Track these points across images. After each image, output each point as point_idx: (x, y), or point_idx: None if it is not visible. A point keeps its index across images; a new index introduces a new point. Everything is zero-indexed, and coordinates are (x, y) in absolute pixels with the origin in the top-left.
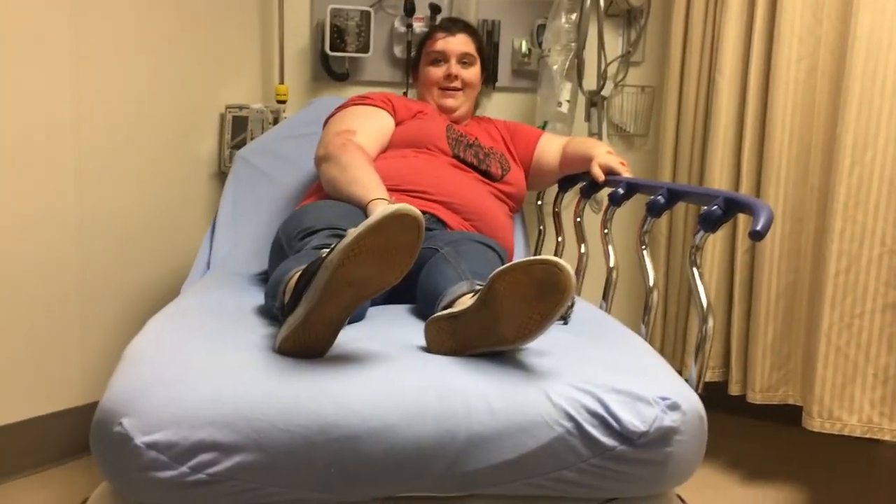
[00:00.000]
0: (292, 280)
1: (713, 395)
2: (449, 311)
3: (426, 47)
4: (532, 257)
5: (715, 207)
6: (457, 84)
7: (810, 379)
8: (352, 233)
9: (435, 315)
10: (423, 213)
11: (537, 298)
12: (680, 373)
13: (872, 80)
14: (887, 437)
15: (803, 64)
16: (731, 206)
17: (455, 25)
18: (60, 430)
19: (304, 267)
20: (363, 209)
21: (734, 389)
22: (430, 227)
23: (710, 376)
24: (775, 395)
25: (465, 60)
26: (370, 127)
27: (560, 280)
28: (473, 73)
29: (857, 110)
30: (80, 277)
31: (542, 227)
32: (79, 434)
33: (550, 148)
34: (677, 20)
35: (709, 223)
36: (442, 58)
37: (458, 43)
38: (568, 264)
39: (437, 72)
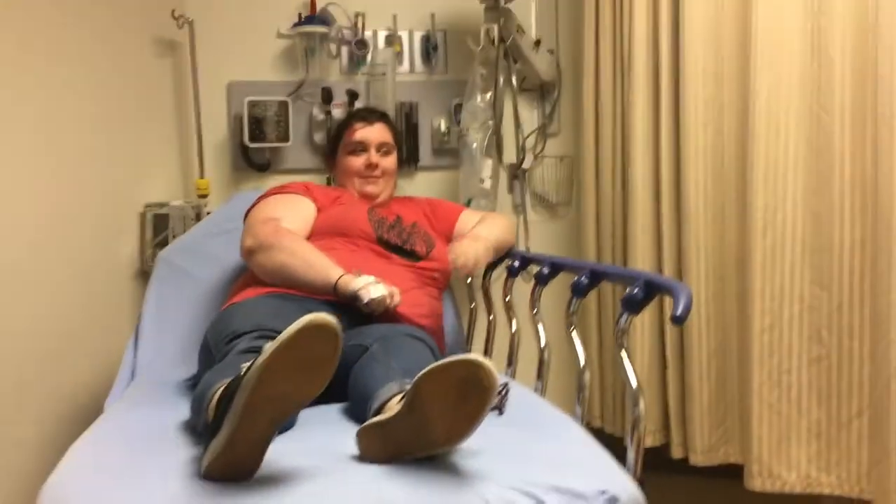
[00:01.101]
0: (215, 396)
1: (655, 458)
2: (378, 418)
3: (344, 137)
4: (452, 357)
5: (636, 291)
6: (377, 172)
7: (747, 438)
8: (267, 349)
9: (365, 424)
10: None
11: (462, 398)
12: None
13: (776, 144)
14: (826, 491)
15: (710, 128)
16: (652, 289)
17: (372, 115)
18: None
19: (226, 382)
20: (333, 289)
21: (676, 452)
22: (358, 323)
23: (650, 441)
24: (716, 455)
25: (383, 149)
26: (294, 214)
27: (481, 378)
28: (392, 160)
29: (764, 173)
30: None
31: (473, 305)
32: None
33: (468, 224)
34: (588, 91)
35: (631, 306)
36: (361, 147)
37: (377, 132)
38: (488, 361)
39: (356, 161)
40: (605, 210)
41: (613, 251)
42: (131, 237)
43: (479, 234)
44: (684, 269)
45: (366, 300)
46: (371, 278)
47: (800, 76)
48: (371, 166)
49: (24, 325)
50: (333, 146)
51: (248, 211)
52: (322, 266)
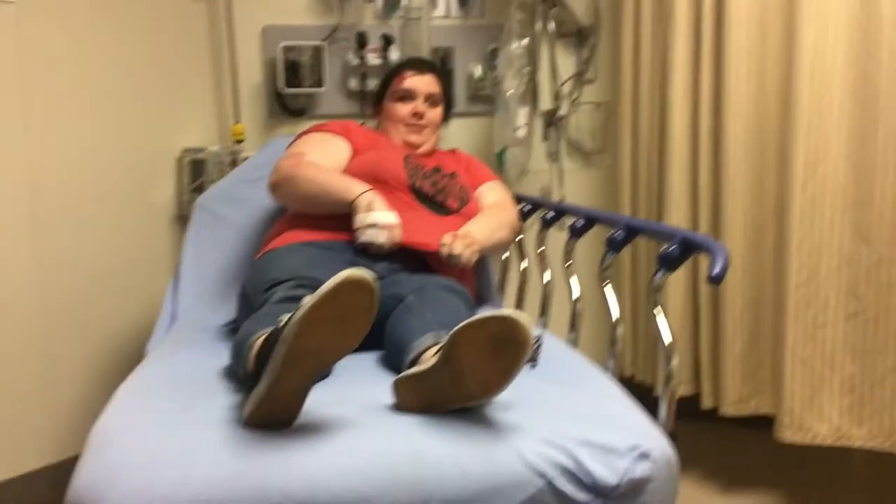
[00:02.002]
0: (255, 345)
1: (685, 407)
2: (414, 370)
3: (393, 84)
4: (488, 313)
5: (673, 248)
6: (423, 122)
7: (779, 390)
8: (305, 303)
9: (401, 375)
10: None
11: (497, 353)
12: (652, 390)
13: (820, 96)
14: (857, 444)
15: (752, 78)
16: (689, 247)
17: (423, 65)
18: (37, 489)
19: (266, 332)
20: (352, 205)
21: (706, 403)
22: (392, 264)
23: (681, 391)
24: (747, 406)
25: (431, 100)
26: (324, 152)
27: (516, 334)
28: (438, 112)
29: (807, 125)
30: (43, 331)
31: (505, 255)
32: (56, 492)
33: (483, 199)
34: (627, 38)
35: (668, 263)
36: (409, 95)
37: (426, 83)
38: (524, 316)
39: (403, 108)
40: (641, 159)
41: (649, 201)
42: (169, 182)
43: (476, 238)
44: (721, 221)
45: (358, 240)
46: (375, 216)
47: (847, 25)
48: (417, 114)
49: (64, 263)
50: (381, 92)
51: (287, 147)
52: (343, 185)
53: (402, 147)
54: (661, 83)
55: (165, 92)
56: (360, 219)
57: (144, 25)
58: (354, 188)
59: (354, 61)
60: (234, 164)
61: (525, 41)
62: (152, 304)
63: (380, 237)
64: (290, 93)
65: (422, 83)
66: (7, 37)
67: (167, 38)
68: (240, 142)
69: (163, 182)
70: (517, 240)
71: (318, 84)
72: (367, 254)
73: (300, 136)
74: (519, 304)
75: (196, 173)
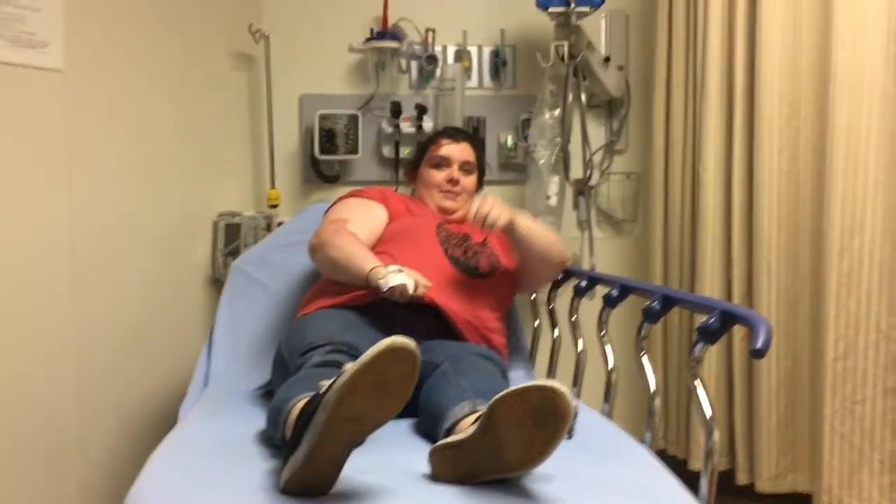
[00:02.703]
0: (294, 411)
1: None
2: (451, 439)
3: (429, 151)
4: (529, 383)
5: (713, 320)
6: (457, 188)
7: (817, 467)
8: (348, 370)
9: (438, 444)
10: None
11: (537, 425)
12: (685, 463)
13: (854, 172)
14: None
15: (784, 154)
16: (729, 320)
17: (459, 134)
18: None
19: (305, 397)
20: (365, 279)
21: (741, 479)
22: (426, 338)
23: None
24: (783, 482)
25: (465, 168)
26: (363, 217)
27: (558, 406)
28: (472, 180)
29: (842, 199)
30: (78, 391)
31: (536, 324)
32: None
33: None
34: (658, 109)
35: (707, 336)
36: (445, 163)
37: (461, 151)
38: (565, 388)
39: (438, 175)
40: (673, 228)
41: (681, 271)
42: (204, 244)
43: (512, 211)
44: (755, 293)
45: (385, 289)
46: (395, 267)
47: (881, 102)
48: (452, 181)
49: (101, 325)
50: (418, 159)
51: (326, 212)
52: (360, 258)
53: (435, 214)
54: (692, 154)
55: (204, 156)
56: (383, 270)
57: (187, 92)
58: (372, 261)
59: (388, 129)
60: (268, 228)
61: (556, 112)
62: (186, 367)
63: (406, 280)
64: (326, 159)
65: (457, 151)
66: (55, 103)
67: (208, 104)
68: (274, 206)
69: (199, 245)
70: (549, 307)
71: (353, 151)
72: (401, 318)
73: (339, 200)
74: (550, 372)
75: (231, 237)
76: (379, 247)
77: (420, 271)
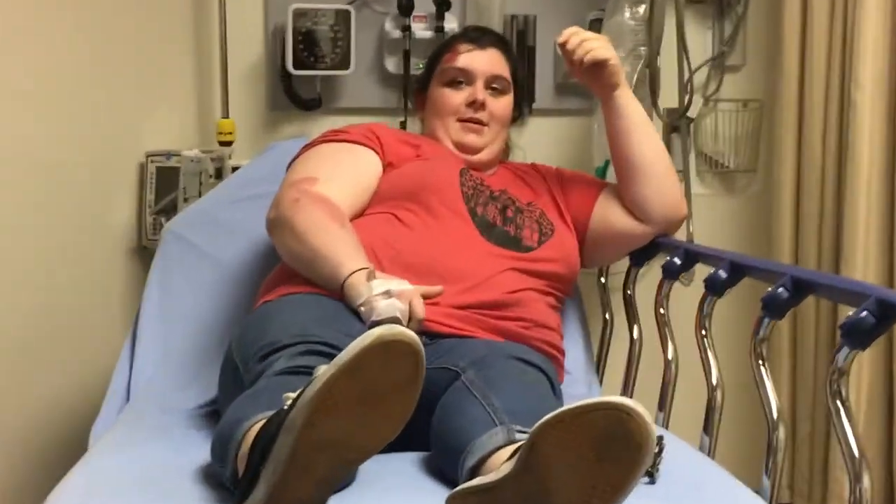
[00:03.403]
0: (248, 437)
1: None
2: (478, 481)
3: (441, 62)
4: (588, 400)
5: (864, 314)
6: (482, 115)
7: None
8: (320, 375)
9: (460, 488)
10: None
11: (601, 460)
12: None
13: None
14: None
15: None
16: (889, 313)
17: (485, 37)
18: None
19: (263, 419)
20: (343, 286)
21: None
22: (441, 334)
23: None
24: None
25: (495, 85)
26: (343, 172)
27: (633, 433)
28: (506, 104)
29: None
30: None
31: (607, 317)
32: None
33: (610, 208)
34: (791, 6)
35: (857, 336)
36: (465, 78)
37: (489, 61)
38: (642, 408)
39: (456, 96)
40: (809, 182)
41: (820, 244)
42: (126, 199)
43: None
44: None
45: (367, 322)
46: (387, 284)
47: None
48: (476, 104)
49: None
50: (427, 74)
51: (290, 164)
52: (333, 256)
53: (455, 156)
54: (842, 69)
55: (126, 72)
56: (365, 289)
57: None
58: (348, 262)
59: (395, 33)
60: (219, 175)
61: (641, 8)
62: (101, 372)
63: (396, 312)
64: (303, 75)
65: (482, 60)
66: None
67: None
68: (228, 144)
69: (119, 199)
70: (624, 297)
71: (343, 64)
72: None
73: (306, 147)
74: (626, 389)
75: (166, 187)
76: (374, 210)
77: (435, 245)
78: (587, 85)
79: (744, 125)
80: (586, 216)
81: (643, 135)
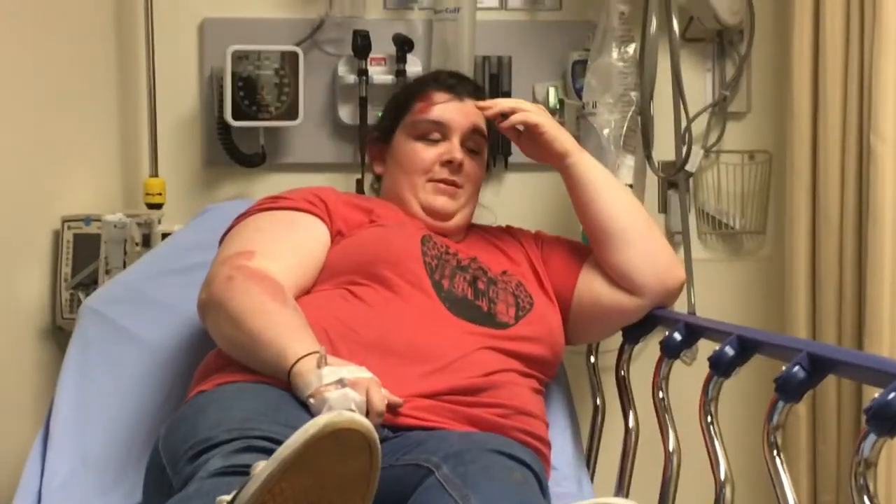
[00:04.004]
0: None
1: None
2: None
3: (412, 111)
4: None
5: (893, 396)
6: (458, 178)
7: None
8: (259, 472)
9: None
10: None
11: None
12: None
13: None
14: None
15: None
16: None
17: (462, 85)
18: None
19: None
20: (286, 380)
21: None
22: (407, 427)
23: None
24: None
25: (471, 143)
26: (284, 244)
27: None
28: (480, 165)
29: None
30: None
31: (598, 402)
32: None
33: (594, 281)
34: (801, 44)
35: (884, 422)
36: (440, 133)
37: (466, 114)
38: None
39: (429, 152)
40: (827, 244)
41: (840, 315)
42: (38, 271)
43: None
44: None
45: (315, 414)
46: (340, 371)
47: None
48: (453, 165)
49: None
50: (391, 125)
51: (224, 236)
52: (275, 340)
53: (415, 220)
54: (860, 117)
55: (38, 124)
56: (314, 378)
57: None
58: (294, 346)
59: (349, 78)
60: (147, 243)
61: (631, 48)
62: (11, 466)
63: (354, 401)
64: (243, 127)
65: (460, 113)
66: None
67: (46, 37)
68: (157, 206)
69: (29, 271)
70: (617, 378)
71: (290, 114)
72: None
73: (241, 217)
74: (620, 486)
75: (84, 257)
76: (320, 289)
77: (398, 328)
78: (539, 160)
79: (750, 180)
80: (569, 288)
81: (610, 197)
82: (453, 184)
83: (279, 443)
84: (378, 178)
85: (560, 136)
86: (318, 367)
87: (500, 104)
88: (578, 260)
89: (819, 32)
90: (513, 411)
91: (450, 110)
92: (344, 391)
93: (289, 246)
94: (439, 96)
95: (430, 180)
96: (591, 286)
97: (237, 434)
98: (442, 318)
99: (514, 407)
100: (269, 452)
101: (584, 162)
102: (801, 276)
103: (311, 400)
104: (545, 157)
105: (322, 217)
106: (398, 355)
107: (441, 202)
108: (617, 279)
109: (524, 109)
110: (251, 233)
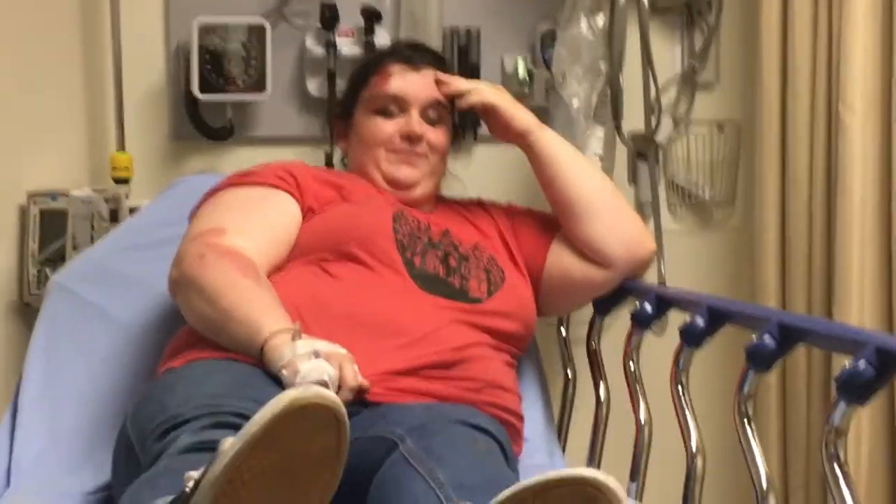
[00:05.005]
0: None
1: None
2: None
3: (369, 85)
4: (552, 474)
5: (862, 364)
6: (420, 148)
7: None
8: (227, 448)
9: None
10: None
11: None
12: None
13: None
14: None
15: None
16: (889, 363)
17: (419, 55)
18: None
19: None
20: (259, 357)
21: None
22: (374, 402)
23: None
24: None
25: (431, 113)
26: (255, 221)
27: None
28: (443, 134)
29: None
30: None
31: (569, 374)
32: None
33: (564, 254)
34: (769, 13)
35: (853, 390)
36: (397, 106)
37: (425, 84)
38: (615, 481)
39: (387, 125)
40: (796, 214)
41: (810, 285)
42: (5, 247)
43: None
44: None
45: (286, 386)
46: (314, 344)
47: None
48: (412, 138)
49: None
50: (350, 100)
51: (193, 212)
52: (249, 316)
53: (387, 195)
54: (828, 86)
55: (4, 100)
56: (288, 350)
57: None
58: (268, 322)
59: (317, 50)
60: (114, 218)
61: (600, 19)
62: None
63: (323, 376)
64: (211, 100)
65: (417, 84)
66: None
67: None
68: (124, 181)
69: None
70: (587, 350)
71: (258, 87)
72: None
73: (211, 194)
74: (592, 457)
75: (51, 233)
76: (292, 266)
77: (368, 302)
78: (502, 139)
79: (719, 150)
80: (540, 262)
81: (574, 171)
82: (415, 154)
83: (249, 418)
84: (344, 155)
85: (518, 114)
86: (293, 340)
87: (457, 84)
88: (548, 233)
89: (787, 2)
90: (485, 385)
91: (407, 82)
92: (318, 362)
93: (260, 223)
94: (395, 68)
95: (391, 151)
96: (561, 259)
97: (206, 410)
98: (414, 294)
99: (487, 381)
100: (238, 428)
101: (545, 138)
102: (770, 246)
103: (284, 371)
104: (506, 136)
105: (293, 193)
106: (369, 328)
107: (404, 172)
108: (587, 252)
109: (479, 90)
110: (222, 210)
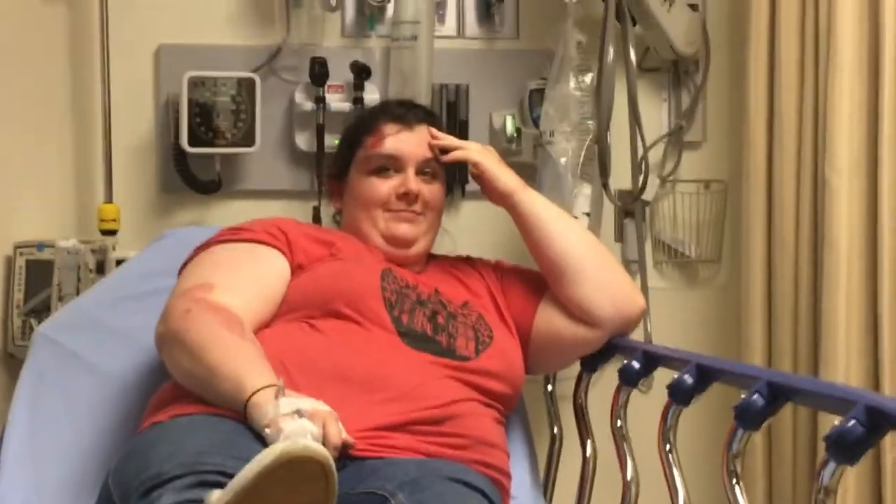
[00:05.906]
0: None
1: None
2: None
3: (364, 145)
4: None
5: (852, 424)
6: (416, 207)
7: None
8: (215, 501)
9: None
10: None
11: None
12: None
13: None
14: None
15: None
16: (878, 422)
17: (411, 112)
18: None
19: None
20: (247, 404)
21: None
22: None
23: None
24: None
25: (427, 170)
26: (244, 277)
27: None
28: (438, 190)
29: None
30: None
31: (556, 431)
32: None
33: (554, 315)
34: (756, 74)
35: (843, 449)
36: (393, 166)
37: (419, 142)
38: None
39: (383, 186)
40: (782, 273)
41: (796, 344)
42: None
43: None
44: None
45: (270, 444)
46: (297, 402)
47: None
48: (409, 197)
49: None
50: (343, 161)
51: (182, 268)
52: (233, 372)
53: (375, 254)
54: (814, 149)
55: None
56: (272, 408)
57: None
58: (252, 378)
59: (307, 105)
60: (101, 269)
61: (588, 77)
62: None
63: (311, 432)
64: (200, 154)
65: (412, 143)
66: None
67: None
68: (112, 233)
69: None
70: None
71: (247, 141)
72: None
73: (200, 249)
74: None
75: (37, 284)
76: (279, 324)
77: (355, 357)
78: (489, 200)
79: (706, 209)
80: (529, 321)
81: (560, 231)
82: (411, 212)
83: (232, 476)
84: (336, 214)
85: (502, 175)
86: (276, 398)
87: (447, 141)
88: (537, 292)
89: (774, 63)
90: (474, 442)
91: (401, 141)
92: (301, 422)
93: (248, 279)
94: (389, 128)
95: (387, 210)
96: (549, 319)
97: (189, 469)
98: (401, 350)
99: (476, 438)
100: (221, 487)
101: (528, 199)
102: (756, 304)
103: (267, 430)
104: (491, 196)
105: (283, 250)
106: (356, 383)
107: (403, 229)
108: (575, 313)
109: (466, 147)
110: (210, 266)
